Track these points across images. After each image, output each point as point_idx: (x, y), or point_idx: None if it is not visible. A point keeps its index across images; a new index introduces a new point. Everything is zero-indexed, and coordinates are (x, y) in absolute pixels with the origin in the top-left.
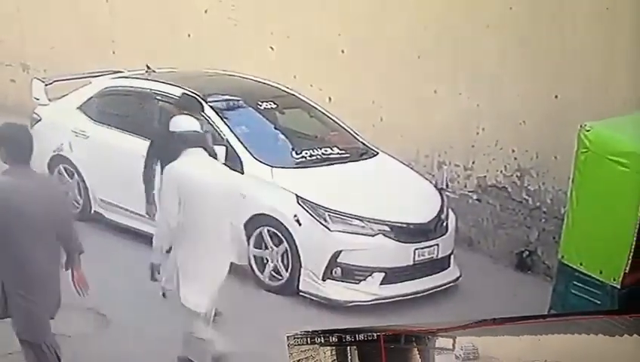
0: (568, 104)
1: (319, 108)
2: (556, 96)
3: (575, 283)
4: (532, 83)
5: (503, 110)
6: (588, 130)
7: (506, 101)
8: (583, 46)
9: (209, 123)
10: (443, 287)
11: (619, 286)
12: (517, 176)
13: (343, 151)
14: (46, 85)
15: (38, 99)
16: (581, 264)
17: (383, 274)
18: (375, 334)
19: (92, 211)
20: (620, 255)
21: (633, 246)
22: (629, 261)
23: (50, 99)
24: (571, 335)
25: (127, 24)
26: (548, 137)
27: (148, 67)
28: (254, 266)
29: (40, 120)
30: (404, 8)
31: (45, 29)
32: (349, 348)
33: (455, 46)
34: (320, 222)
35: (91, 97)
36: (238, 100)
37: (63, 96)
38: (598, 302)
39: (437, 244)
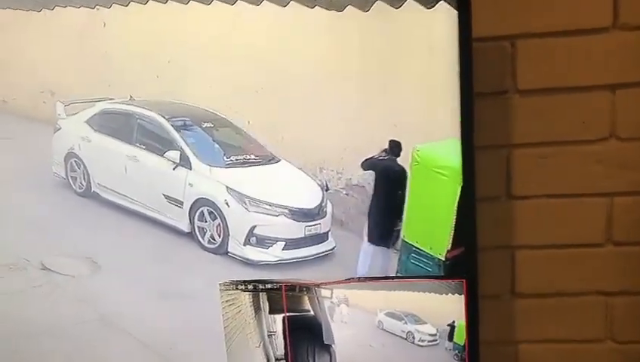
0: (405, 131)
1: (242, 128)
2: (395, 125)
3: (413, 255)
4: (377, 116)
5: (358, 136)
6: (418, 151)
7: (360, 134)
8: (412, 86)
9: (170, 136)
10: (324, 253)
11: (444, 259)
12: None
13: (258, 158)
14: (65, 106)
15: (59, 115)
16: (417, 242)
17: (284, 242)
18: (278, 284)
19: (92, 191)
20: (443, 238)
21: (452, 233)
22: (450, 242)
23: (67, 115)
24: (412, 292)
25: (119, 69)
26: None
27: (131, 97)
28: (197, 234)
29: (60, 129)
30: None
31: (66, 71)
32: (260, 293)
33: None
34: (242, 205)
35: (94, 115)
36: (189, 121)
37: (76, 113)
38: (430, 270)
39: (320, 223)
